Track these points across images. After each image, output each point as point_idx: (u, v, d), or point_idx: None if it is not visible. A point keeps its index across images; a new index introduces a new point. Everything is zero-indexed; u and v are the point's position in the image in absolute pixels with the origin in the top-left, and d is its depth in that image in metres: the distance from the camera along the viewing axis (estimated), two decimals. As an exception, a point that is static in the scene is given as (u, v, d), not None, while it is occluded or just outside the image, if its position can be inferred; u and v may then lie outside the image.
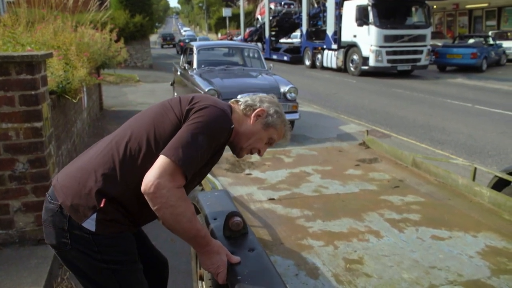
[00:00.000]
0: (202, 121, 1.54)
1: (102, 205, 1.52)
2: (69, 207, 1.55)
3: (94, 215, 1.53)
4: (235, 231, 1.75)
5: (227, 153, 3.29)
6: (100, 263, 1.57)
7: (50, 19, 6.22)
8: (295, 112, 7.05)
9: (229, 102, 1.82)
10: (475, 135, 7.46)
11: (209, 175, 2.77)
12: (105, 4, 8.88)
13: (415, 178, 3.18)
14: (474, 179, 3.06)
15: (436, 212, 2.55)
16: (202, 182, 3.07)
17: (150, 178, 1.45)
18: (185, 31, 68.47)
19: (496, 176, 3.05)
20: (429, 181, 3.11)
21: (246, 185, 3.01)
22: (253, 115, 1.75)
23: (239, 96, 6.83)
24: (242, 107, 1.78)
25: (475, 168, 3.11)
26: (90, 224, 1.53)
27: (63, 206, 1.56)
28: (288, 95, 6.96)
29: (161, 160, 1.47)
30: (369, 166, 3.45)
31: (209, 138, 1.54)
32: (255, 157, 3.63)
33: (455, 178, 2.99)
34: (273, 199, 2.76)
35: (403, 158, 3.53)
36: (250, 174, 3.26)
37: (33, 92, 2.89)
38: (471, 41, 19.28)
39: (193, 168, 1.52)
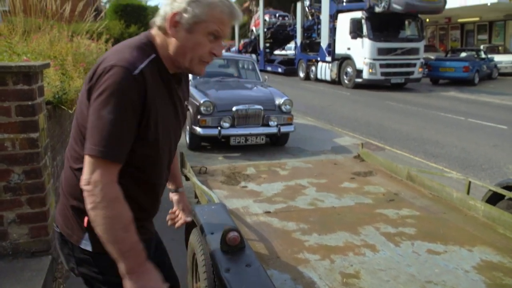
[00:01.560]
0: (101, 93, 1.30)
1: (85, 225, 1.42)
2: (65, 232, 1.49)
3: (87, 235, 1.44)
4: (232, 246, 1.75)
5: (222, 165, 3.33)
6: (105, 286, 1.47)
7: (46, 28, 6.23)
8: (290, 124, 7.08)
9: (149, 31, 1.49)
10: (468, 148, 7.52)
11: (204, 188, 2.78)
12: (101, 15, 8.90)
13: (410, 191, 3.20)
14: (468, 192, 3.09)
15: (432, 226, 2.57)
16: (198, 194, 3.08)
17: (84, 176, 1.31)
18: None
19: (490, 190, 3.08)
20: (424, 195, 3.13)
21: (242, 198, 3.01)
22: (168, 27, 1.38)
23: (234, 108, 6.79)
24: (157, 24, 1.43)
25: (470, 182, 3.13)
26: (86, 244, 1.45)
27: (62, 232, 1.50)
28: (283, 107, 6.99)
29: (87, 159, 1.31)
30: (364, 179, 3.47)
31: (117, 105, 1.28)
32: (250, 170, 3.64)
33: (450, 191, 3.01)
34: (269, 212, 2.76)
35: (398, 172, 3.55)
36: (245, 186, 3.26)
37: (29, 103, 2.89)
38: (463, 54, 19.52)
39: (123, 147, 1.32)
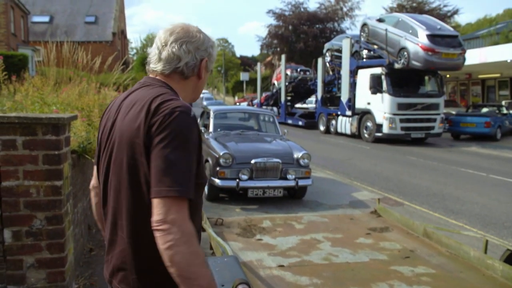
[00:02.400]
0: (167, 136, 1.37)
1: None
2: None
3: None
4: (242, 298, 1.77)
5: (239, 217, 3.41)
6: None
7: (76, 80, 6.56)
8: (308, 178, 7.11)
9: (156, 77, 1.57)
10: (489, 205, 7.38)
11: (219, 239, 2.81)
12: (128, 68, 9.31)
13: (426, 248, 3.17)
14: (486, 251, 3.04)
15: (448, 285, 2.53)
16: (213, 246, 3.11)
17: (156, 217, 1.31)
18: (203, 93, 70.91)
19: (508, 249, 3.03)
20: (441, 252, 3.09)
21: (256, 251, 3.03)
22: (202, 72, 1.59)
23: (255, 159, 6.80)
24: (184, 73, 1.55)
25: (487, 241, 3.09)
26: None
27: None
28: (301, 161, 7.05)
29: (160, 201, 1.31)
30: (380, 235, 3.45)
31: (185, 146, 1.37)
32: (266, 223, 3.67)
33: (467, 250, 2.97)
34: (283, 266, 2.76)
35: (414, 228, 3.53)
36: (260, 239, 3.28)
37: (56, 152, 3.03)
38: (484, 110, 19.44)
39: (192, 184, 1.37)
